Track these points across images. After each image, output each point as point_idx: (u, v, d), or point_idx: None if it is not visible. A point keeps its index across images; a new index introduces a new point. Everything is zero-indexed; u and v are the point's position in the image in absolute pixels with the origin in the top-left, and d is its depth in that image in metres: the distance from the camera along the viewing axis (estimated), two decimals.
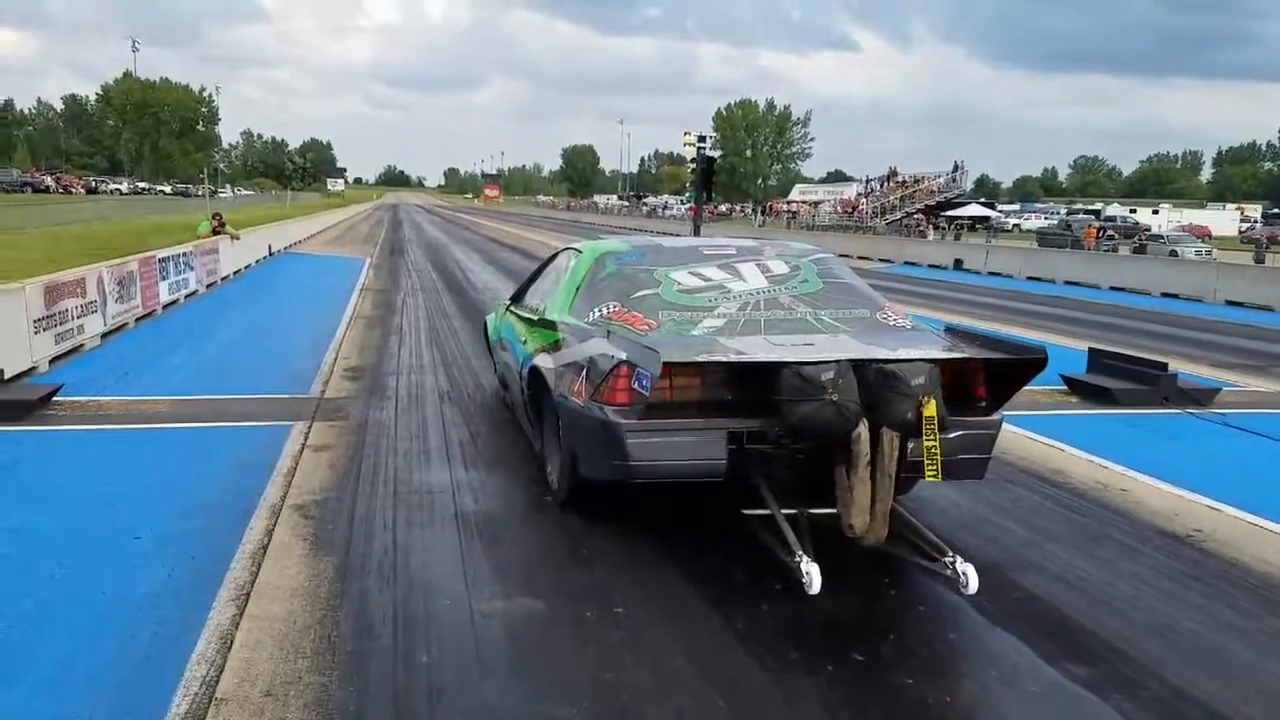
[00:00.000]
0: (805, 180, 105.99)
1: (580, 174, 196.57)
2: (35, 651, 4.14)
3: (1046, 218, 73.11)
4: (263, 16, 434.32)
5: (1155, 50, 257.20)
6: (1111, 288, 26.61)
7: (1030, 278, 29.70)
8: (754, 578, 5.04)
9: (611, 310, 5.94)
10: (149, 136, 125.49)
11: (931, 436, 4.73)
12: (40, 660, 4.06)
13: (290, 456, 7.21)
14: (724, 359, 5.08)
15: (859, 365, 4.81)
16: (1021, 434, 8.38)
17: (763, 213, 76.40)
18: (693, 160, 24.23)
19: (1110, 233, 47.05)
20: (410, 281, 21.79)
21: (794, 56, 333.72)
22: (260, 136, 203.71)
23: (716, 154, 22.71)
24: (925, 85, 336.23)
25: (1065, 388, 10.44)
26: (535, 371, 6.44)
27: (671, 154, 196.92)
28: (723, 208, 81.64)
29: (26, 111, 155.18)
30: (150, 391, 9.26)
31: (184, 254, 16.87)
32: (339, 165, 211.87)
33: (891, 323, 5.94)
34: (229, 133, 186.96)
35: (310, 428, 8.08)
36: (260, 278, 22.39)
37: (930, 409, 4.72)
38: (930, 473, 4.78)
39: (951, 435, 4.99)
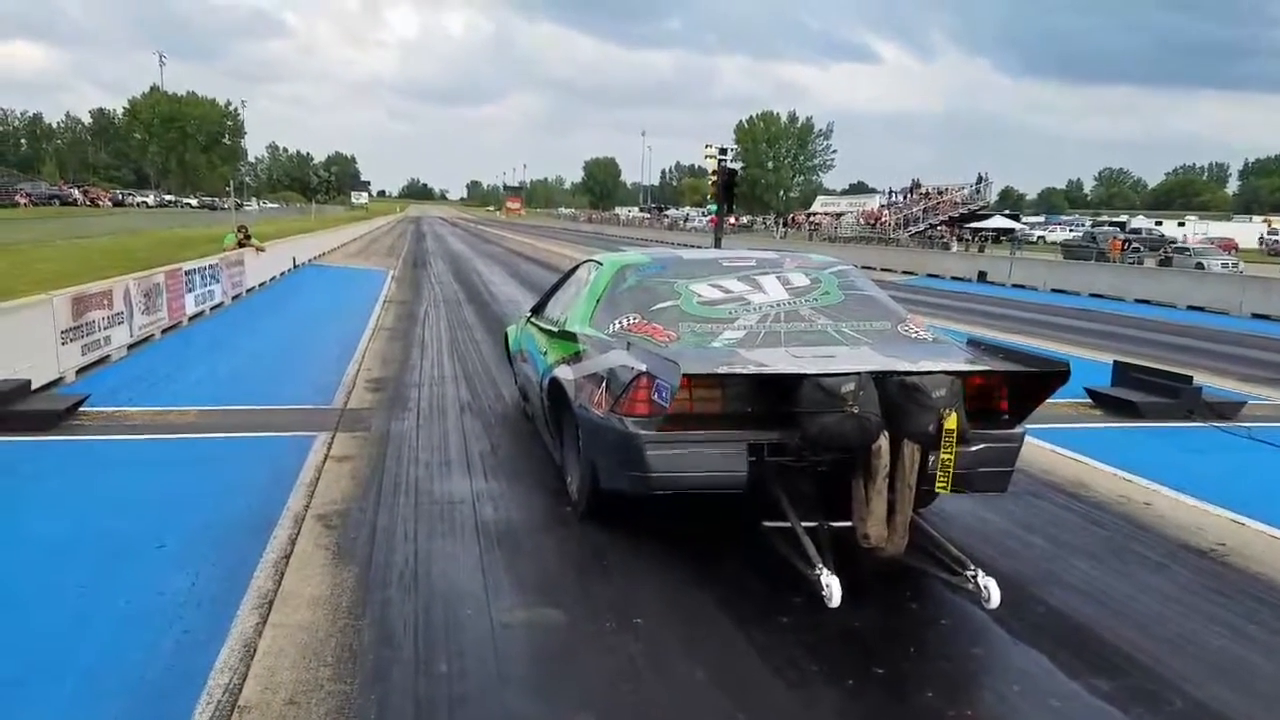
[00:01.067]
0: (827, 192, 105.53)
1: (602, 186, 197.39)
2: (61, 660, 4.19)
3: (1071, 230, 72.62)
4: (287, 32, 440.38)
5: (1181, 62, 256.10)
6: (1137, 300, 26.44)
7: (1055, 290, 29.53)
8: (773, 590, 5.01)
9: (632, 322, 5.94)
10: (175, 150, 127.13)
11: (949, 450, 4.67)
12: (66, 669, 4.11)
13: (313, 467, 7.26)
14: (744, 371, 5.05)
15: (880, 377, 4.78)
16: (1045, 447, 8.33)
17: (784, 224, 76.22)
18: (714, 172, 24.22)
19: (1135, 245, 46.60)
20: (432, 293, 21.92)
21: (815, 69, 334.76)
22: (285, 150, 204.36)
23: (738, 166, 22.73)
24: (948, 97, 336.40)
25: (1090, 401, 10.37)
26: (555, 383, 6.47)
27: (692, 166, 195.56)
28: (744, 219, 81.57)
29: (55, 125, 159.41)
30: (176, 402, 9.36)
31: (210, 266, 17.06)
32: (363, 178, 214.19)
33: (913, 335, 5.93)
34: (255, 146, 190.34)
35: (333, 438, 8.14)
36: (285, 290, 22.60)
37: (951, 422, 4.65)
38: (941, 484, 4.74)
39: (973, 448, 5.00)
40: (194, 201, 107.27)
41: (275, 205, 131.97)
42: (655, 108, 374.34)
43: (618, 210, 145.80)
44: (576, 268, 8.07)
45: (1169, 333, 19.26)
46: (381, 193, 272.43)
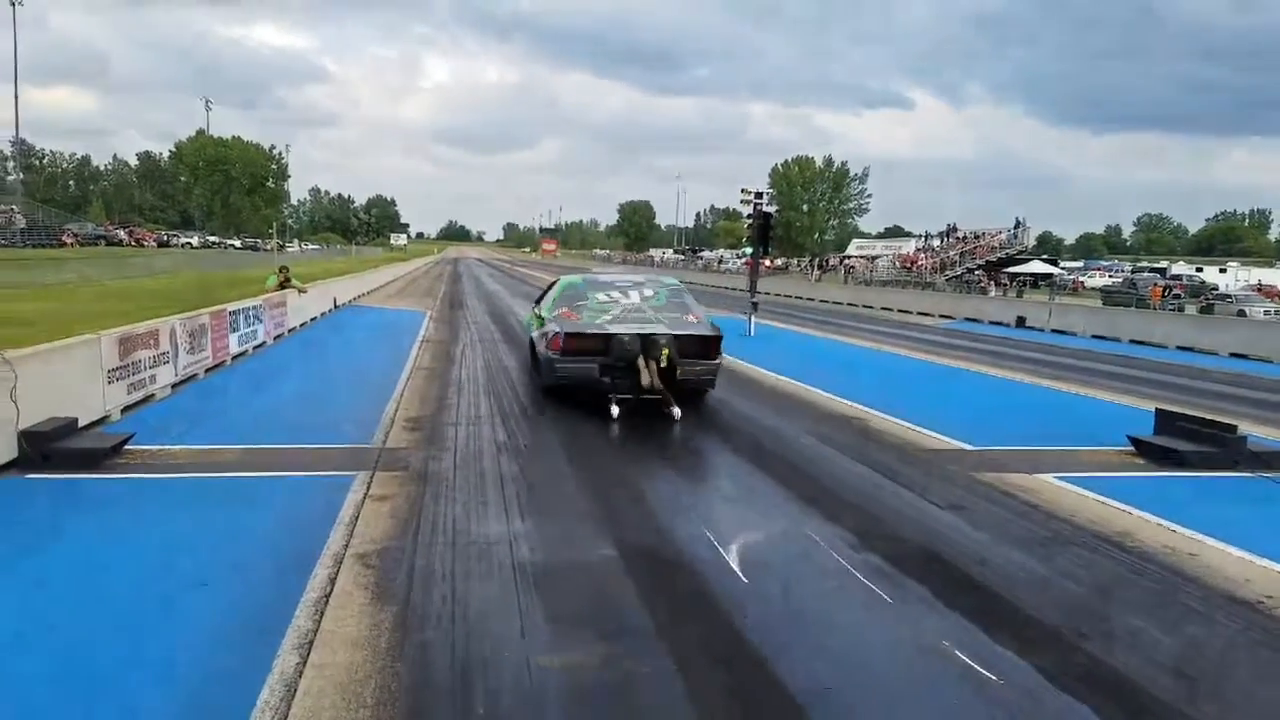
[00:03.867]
0: (862, 235, 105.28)
1: (636, 228, 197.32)
2: (103, 700, 4.25)
3: (1111, 275, 71.99)
4: (327, 78, 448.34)
5: (1220, 108, 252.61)
6: (1178, 347, 26.10)
7: (1095, 336, 29.23)
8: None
9: (561, 310, 12.54)
10: (220, 192, 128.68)
11: (665, 364, 11.19)
12: (108, 709, 4.16)
13: (353, 505, 7.33)
14: (593, 332, 11.54)
15: (645, 336, 11.24)
16: (1090, 496, 8.25)
17: (819, 267, 75.99)
18: (750, 215, 24.21)
19: (1176, 291, 46.08)
20: (469, 334, 22.07)
21: (847, 115, 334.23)
22: (327, 193, 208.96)
23: (773, 209, 22.94)
24: (981, 142, 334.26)
25: (1133, 449, 10.24)
26: (531, 340, 13.56)
27: (726, 209, 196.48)
28: (778, 262, 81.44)
29: (102, 167, 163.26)
30: (219, 440, 9.48)
31: (253, 307, 17.34)
32: (402, 220, 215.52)
33: (689, 320, 12.26)
34: (297, 189, 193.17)
35: (372, 477, 8.21)
36: (325, 330, 22.89)
37: (666, 353, 11.19)
38: (679, 376, 11.35)
39: (696, 368, 11.55)
40: (237, 243, 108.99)
41: (316, 247, 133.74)
42: (688, 153, 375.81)
43: (652, 252, 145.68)
44: (554, 282, 14.53)
45: (1212, 380, 19.00)
46: (420, 234, 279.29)
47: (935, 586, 5.97)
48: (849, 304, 45.23)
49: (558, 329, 11.73)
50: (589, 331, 11.58)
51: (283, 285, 21.57)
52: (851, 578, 6.11)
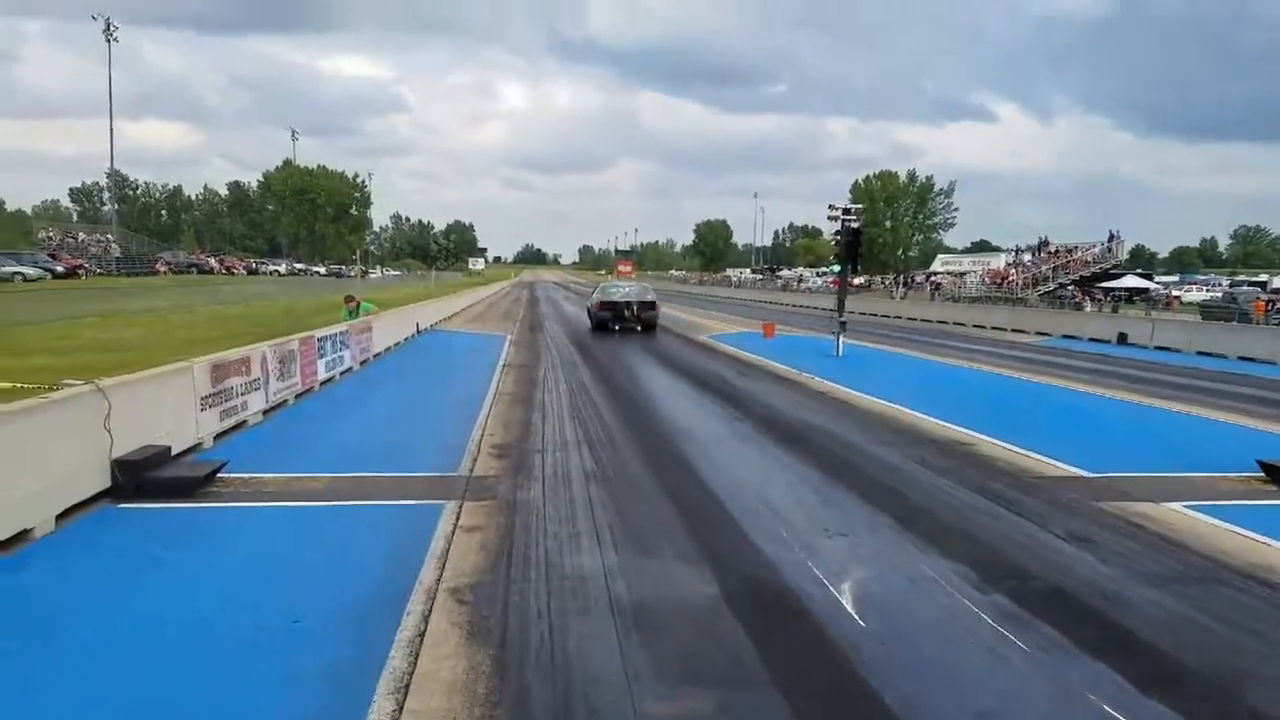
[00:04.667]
0: (948, 250, 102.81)
1: (713, 248, 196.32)
2: None
3: (1208, 290, 69.20)
4: (405, 107, 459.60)
5: None
6: None
7: (1200, 353, 27.96)
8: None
9: (598, 292, 33.57)
10: (306, 220, 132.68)
11: (633, 312, 30.52)
12: None
13: (443, 537, 7.13)
14: (608, 299, 31.26)
15: (627, 301, 31.00)
16: (1225, 527, 7.68)
17: (904, 284, 74.46)
18: (836, 233, 23.63)
19: None
20: (550, 357, 21.93)
21: (929, 128, 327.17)
22: (407, 219, 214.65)
23: (856, 223, 22.62)
24: (1068, 154, 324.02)
25: (1263, 475, 9.55)
26: (589, 307, 33.20)
27: (806, 227, 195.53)
28: (861, 280, 79.82)
29: (193, 197, 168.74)
30: (309, 468, 9.38)
31: (340, 333, 17.41)
32: (480, 245, 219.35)
33: (649, 298, 31.32)
34: (379, 216, 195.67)
35: (461, 507, 8.01)
36: (408, 355, 22.94)
37: (633, 309, 30.53)
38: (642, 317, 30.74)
39: (644, 312, 30.57)
40: (322, 269, 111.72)
41: (397, 272, 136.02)
42: (765, 170, 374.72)
43: (729, 272, 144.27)
44: (598, 284, 40.38)
45: None
46: (497, 259, 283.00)
47: (1070, 629, 5.50)
48: (938, 321, 44.30)
49: (598, 298, 31.64)
50: (606, 299, 31.07)
51: (352, 312, 21.35)
52: (978, 620, 5.67)
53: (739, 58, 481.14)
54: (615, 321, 30.03)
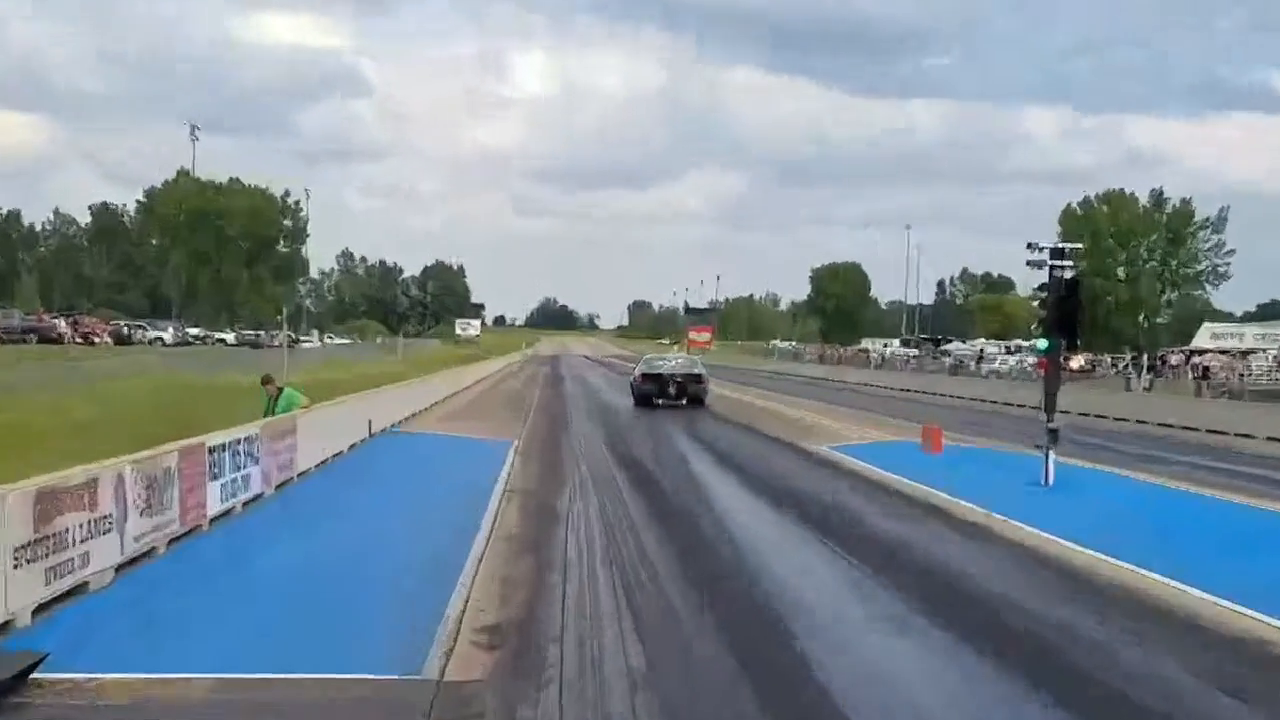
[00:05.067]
0: (1218, 316, 75.09)
1: (839, 306, 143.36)
2: None
3: None
4: (365, 89, 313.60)
5: None
6: None
7: None
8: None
9: (641, 365, 37.78)
10: (207, 261, 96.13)
11: (680, 388, 33.88)
12: None
13: None
14: (651, 371, 35.47)
15: (671, 374, 35.17)
16: None
17: (1150, 369, 49.66)
18: (1040, 287, 16.44)
19: None
20: (577, 473, 17.36)
21: (1181, 121, 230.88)
22: (364, 260, 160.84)
23: (1071, 271, 13.47)
24: None
25: None
26: (631, 382, 37.02)
27: (987, 274, 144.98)
28: (1079, 361, 48.47)
29: (39, 227, 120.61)
30: (181, 665, 6.54)
31: (245, 439, 12.88)
32: (473, 300, 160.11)
33: (696, 370, 35.64)
34: (321, 255, 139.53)
35: None
36: (355, 471, 17.37)
37: (680, 384, 33.84)
38: (690, 392, 34.40)
39: (691, 389, 33.62)
40: (229, 336, 78.97)
41: (346, 340, 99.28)
42: (921, 188, 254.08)
43: (866, 344, 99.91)
44: (640, 358, 42.34)
45: None
46: (500, 319, 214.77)
47: None
48: (1207, 430, 29.40)
49: (639, 371, 35.44)
50: (650, 371, 34.61)
51: (273, 400, 16.49)
52: None
53: (880, 15, 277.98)
54: (659, 396, 32.11)
